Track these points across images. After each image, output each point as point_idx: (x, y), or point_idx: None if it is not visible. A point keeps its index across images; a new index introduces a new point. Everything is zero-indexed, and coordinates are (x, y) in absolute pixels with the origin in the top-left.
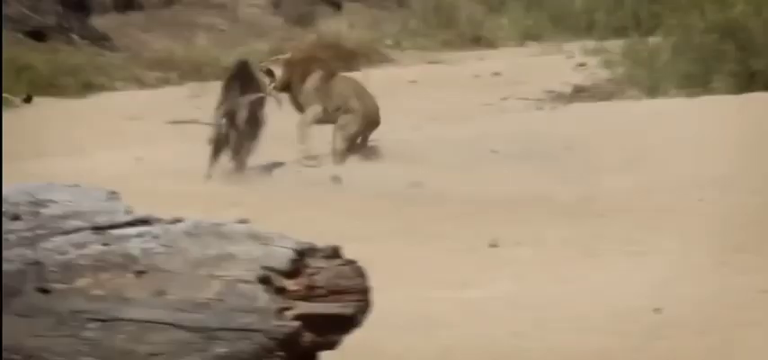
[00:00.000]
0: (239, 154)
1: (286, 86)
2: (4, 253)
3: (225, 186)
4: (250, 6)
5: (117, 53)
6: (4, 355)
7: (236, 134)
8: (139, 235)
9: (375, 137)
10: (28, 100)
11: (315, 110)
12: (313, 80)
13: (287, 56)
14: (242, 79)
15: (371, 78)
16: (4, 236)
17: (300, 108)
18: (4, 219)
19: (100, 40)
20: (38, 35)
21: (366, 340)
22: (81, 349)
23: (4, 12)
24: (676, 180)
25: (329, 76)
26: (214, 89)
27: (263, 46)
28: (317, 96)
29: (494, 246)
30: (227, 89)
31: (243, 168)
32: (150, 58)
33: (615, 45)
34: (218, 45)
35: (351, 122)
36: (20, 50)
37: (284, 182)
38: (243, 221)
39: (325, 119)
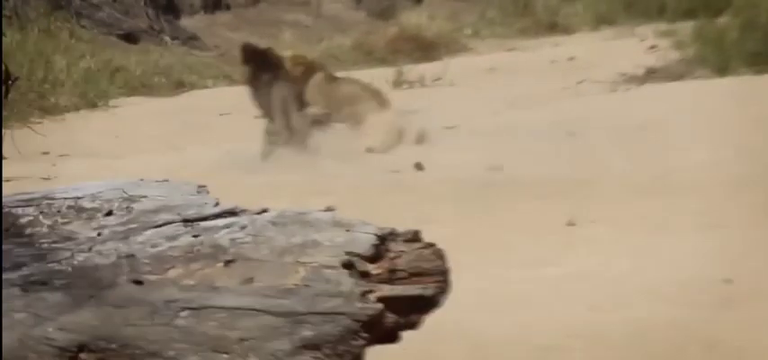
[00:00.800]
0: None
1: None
2: (100, 247)
3: (309, 176)
4: (333, 2)
5: (206, 52)
6: (102, 344)
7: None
8: (227, 226)
9: (455, 122)
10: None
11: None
12: (316, 79)
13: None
14: (257, 62)
15: (451, 67)
16: (98, 231)
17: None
18: (98, 214)
19: (190, 40)
20: (130, 38)
21: (446, 319)
22: (174, 336)
23: (97, 16)
24: (747, 154)
25: (330, 78)
26: None
27: (345, 40)
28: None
29: (571, 224)
30: (253, 78)
31: (305, 148)
32: (239, 56)
33: (685, 27)
34: (302, 40)
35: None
36: (114, 53)
37: (366, 170)
38: (328, 209)
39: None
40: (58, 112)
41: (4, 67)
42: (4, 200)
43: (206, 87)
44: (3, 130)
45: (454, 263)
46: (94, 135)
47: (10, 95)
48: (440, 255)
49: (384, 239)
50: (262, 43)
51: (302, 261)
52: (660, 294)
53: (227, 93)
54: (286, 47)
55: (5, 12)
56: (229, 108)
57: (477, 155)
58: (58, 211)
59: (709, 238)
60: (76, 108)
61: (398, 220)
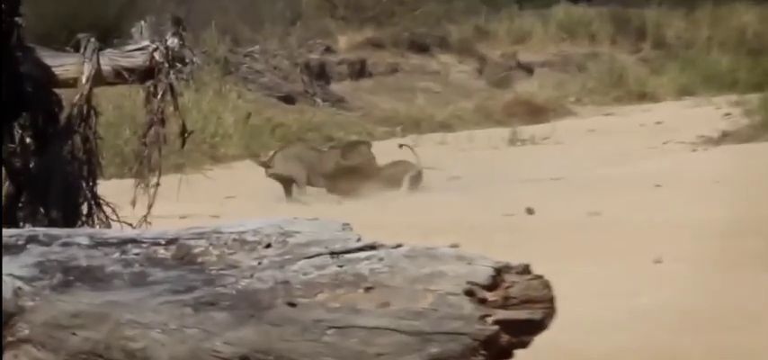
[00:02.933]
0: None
1: None
2: (260, 274)
3: (433, 218)
4: (459, 72)
5: (352, 112)
6: (260, 356)
7: None
8: (368, 258)
9: (561, 174)
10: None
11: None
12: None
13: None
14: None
15: (557, 128)
16: (259, 260)
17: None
18: (259, 247)
19: (338, 101)
20: (288, 99)
21: (552, 340)
22: (322, 351)
23: (261, 80)
24: None
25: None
26: (430, 139)
27: (469, 104)
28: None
29: (658, 262)
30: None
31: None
32: (379, 115)
33: (753, 98)
34: (432, 104)
35: None
36: (274, 112)
37: (484, 213)
38: (453, 246)
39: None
40: (226, 161)
41: (181, 122)
42: (180, 233)
43: None
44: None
45: (559, 292)
46: (256, 180)
47: (186, 146)
48: (547, 285)
49: (500, 271)
50: (397, 106)
51: (430, 288)
52: (733, 322)
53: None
54: (419, 109)
55: (183, 75)
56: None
57: (579, 202)
58: (225, 244)
59: None
60: (242, 157)
61: (512, 256)
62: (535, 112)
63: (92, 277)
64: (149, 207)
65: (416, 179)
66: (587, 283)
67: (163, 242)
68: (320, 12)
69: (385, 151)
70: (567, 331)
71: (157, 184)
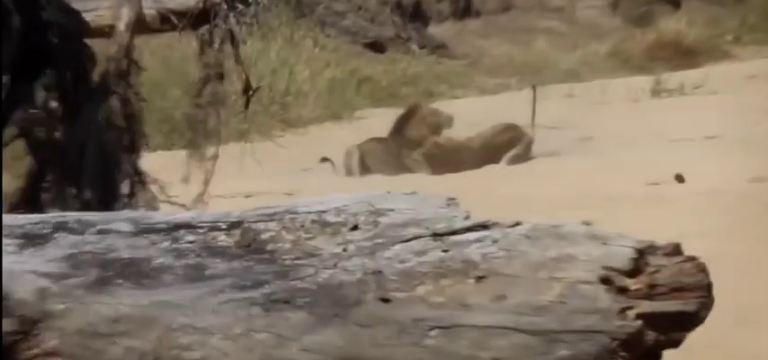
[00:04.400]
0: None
1: None
2: (345, 264)
3: (559, 189)
4: (588, 8)
5: (456, 61)
6: None
7: None
8: (478, 240)
9: (716, 132)
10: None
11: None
12: None
13: None
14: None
15: (712, 75)
16: (343, 246)
17: None
18: (343, 229)
19: (438, 48)
20: (377, 46)
21: (709, 337)
22: (423, 357)
23: (342, 24)
24: None
25: None
26: (555, 92)
27: (601, 48)
28: None
29: None
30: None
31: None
32: (489, 64)
33: None
34: (556, 48)
35: None
36: (359, 62)
37: (622, 182)
38: (585, 223)
39: None
40: (300, 125)
41: (245, 78)
42: (245, 215)
43: (455, 98)
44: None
45: (716, 278)
46: (338, 148)
47: (251, 107)
48: (702, 269)
49: (643, 253)
50: (511, 51)
51: (557, 276)
52: None
53: (477, 103)
54: (539, 55)
55: (246, 19)
56: (479, 120)
57: (739, 166)
58: (302, 226)
59: None
60: (320, 120)
61: (658, 234)
62: (684, 56)
63: (136, 273)
64: (206, 184)
65: (521, 155)
66: (751, 267)
67: (224, 226)
68: None
69: (493, 109)
70: (727, 325)
71: (216, 156)
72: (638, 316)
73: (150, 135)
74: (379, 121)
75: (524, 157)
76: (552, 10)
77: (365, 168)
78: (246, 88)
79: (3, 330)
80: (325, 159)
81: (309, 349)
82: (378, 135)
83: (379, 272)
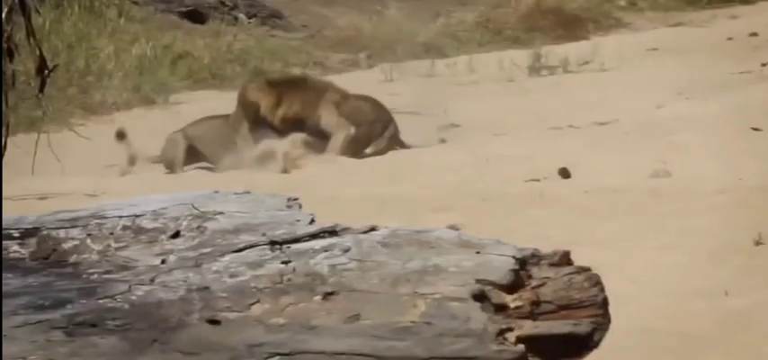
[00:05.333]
0: None
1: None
2: (164, 278)
3: (421, 186)
4: None
5: (293, 33)
6: None
7: None
8: (326, 249)
9: (608, 117)
10: (121, 137)
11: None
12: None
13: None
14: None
15: (602, 47)
16: (162, 257)
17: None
18: (162, 237)
19: (271, 17)
20: (196, 16)
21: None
22: None
23: None
24: None
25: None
26: (411, 70)
27: (467, 15)
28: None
29: (759, 243)
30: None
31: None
32: (333, 37)
33: None
34: (413, 17)
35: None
36: (175, 35)
37: (497, 178)
38: (452, 227)
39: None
40: (104, 111)
41: (39, 54)
42: (42, 220)
43: None
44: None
45: (612, 293)
46: (152, 139)
47: (46, 90)
48: (595, 281)
49: (524, 263)
50: (358, 21)
51: (421, 292)
52: None
53: None
54: (392, 25)
55: None
56: None
57: (637, 157)
58: (111, 234)
59: None
60: (128, 106)
61: (542, 240)
62: (568, 25)
63: None
64: None
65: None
66: (656, 279)
67: (16, 234)
68: None
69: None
70: (627, 351)
71: (3, 149)
72: (520, 339)
73: None
74: (200, 107)
75: (390, 146)
76: None
77: (195, 160)
78: (41, 67)
79: None
80: (121, 135)
81: None
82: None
83: (206, 288)
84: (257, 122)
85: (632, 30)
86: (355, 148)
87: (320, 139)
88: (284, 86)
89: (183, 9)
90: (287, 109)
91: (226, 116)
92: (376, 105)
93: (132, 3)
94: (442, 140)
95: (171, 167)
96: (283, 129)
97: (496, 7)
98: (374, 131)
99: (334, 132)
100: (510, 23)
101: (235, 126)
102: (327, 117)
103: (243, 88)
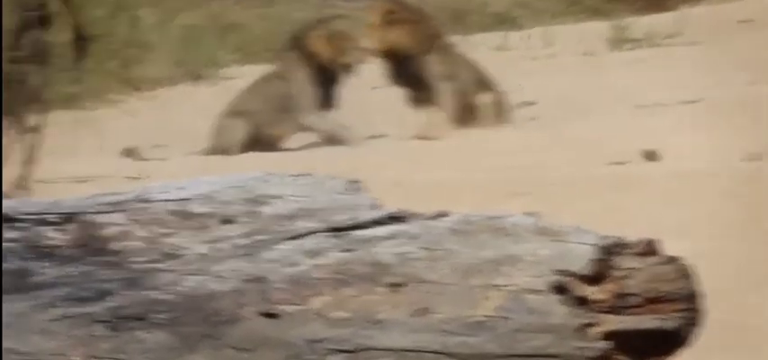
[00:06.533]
0: None
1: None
2: (215, 268)
3: (494, 170)
4: None
5: (354, 2)
6: None
7: None
8: (392, 236)
9: (699, 94)
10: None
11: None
12: (438, 50)
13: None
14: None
15: (691, 19)
16: (213, 244)
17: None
18: (213, 222)
19: None
20: None
21: None
22: None
23: None
24: None
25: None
26: (482, 43)
27: None
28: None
29: None
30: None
31: None
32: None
33: None
34: None
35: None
36: (224, 4)
37: (577, 160)
38: (529, 214)
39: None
40: (148, 87)
41: (75, 24)
42: (81, 204)
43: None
44: (76, 112)
45: (705, 287)
46: (199, 118)
47: (83, 62)
48: (685, 272)
49: (608, 252)
50: None
51: (496, 283)
52: None
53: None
54: None
55: None
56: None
57: (732, 139)
58: (157, 219)
59: None
60: (173, 81)
61: (626, 228)
62: None
63: None
64: (28, 164)
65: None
66: (751, 273)
67: (54, 220)
68: None
69: None
70: (722, 349)
71: (39, 127)
72: (604, 335)
73: None
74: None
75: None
76: None
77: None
78: (78, 37)
79: None
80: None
81: None
82: None
83: (262, 278)
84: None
85: None
86: (463, 115)
87: (416, 89)
88: (402, 6)
89: None
90: (402, 34)
91: (264, 78)
92: (476, 67)
93: None
94: (517, 119)
95: (225, 149)
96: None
97: None
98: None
99: (437, 87)
100: None
101: (288, 76)
102: (436, 65)
103: (302, 31)
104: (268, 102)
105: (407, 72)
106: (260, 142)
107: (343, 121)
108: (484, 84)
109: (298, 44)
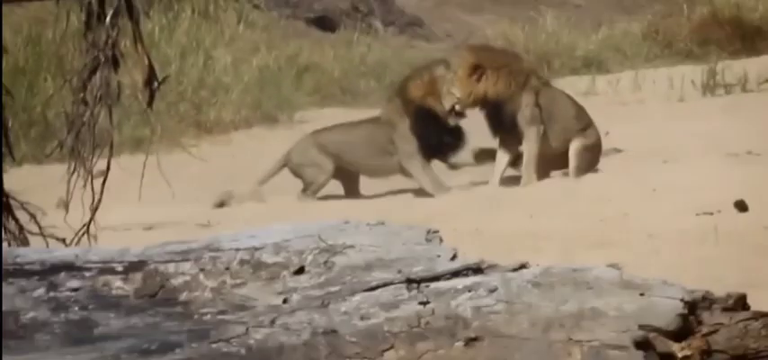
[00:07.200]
0: None
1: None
2: (286, 319)
3: (578, 219)
4: None
5: (435, 43)
6: None
7: None
8: (470, 288)
9: None
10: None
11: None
12: (529, 91)
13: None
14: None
15: None
16: (285, 296)
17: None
18: (285, 273)
19: (410, 25)
20: (326, 23)
21: None
22: None
23: None
24: None
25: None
26: (570, 86)
27: (634, 26)
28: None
29: None
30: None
31: None
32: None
33: None
34: (572, 26)
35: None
36: (301, 45)
37: (664, 210)
38: (612, 266)
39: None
40: (220, 131)
41: (147, 64)
42: (148, 253)
43: None
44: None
45: None
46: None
47: (155, 105)
48: None
49: (694, 307)
50: (509, 31)
51: (577, 339)
52: None
53: None
54: (548, 35)
55: None
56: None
57: None
58: (227, 269)
59: None
60: (248, 124)
61: (714, 282)
62: (747, 37)
63: None
64: (94, 210)
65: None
66: None
67: (119, 269)
68: None
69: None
70: None
71: (107, 172)
72: None
73: (14, 142)
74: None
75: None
76: None
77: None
78: (149, 79)
79: None
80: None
81: None
82: None
83: (334, 331)
84: (424, 118)
85: None
86: (546, 159)
87: (511, 134)
88: (488, 55)
89: (311, 15)
90: (490, 84)
91: (370, 120)
92: (574, 103)
93: (253, 7)
94: (604, 166)
95: (313, 189)
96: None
97: (667, 17)
98: (570, 130)
99: (525, 132)
100: (681, 35)
101: (392, 121)
102: (526, 108)
103: (405, 79)
104: (368, 142)
105: (500, 117)
106: (347, 177)
107: (439, 174)
108: (582, 121)
109: (401, 92)
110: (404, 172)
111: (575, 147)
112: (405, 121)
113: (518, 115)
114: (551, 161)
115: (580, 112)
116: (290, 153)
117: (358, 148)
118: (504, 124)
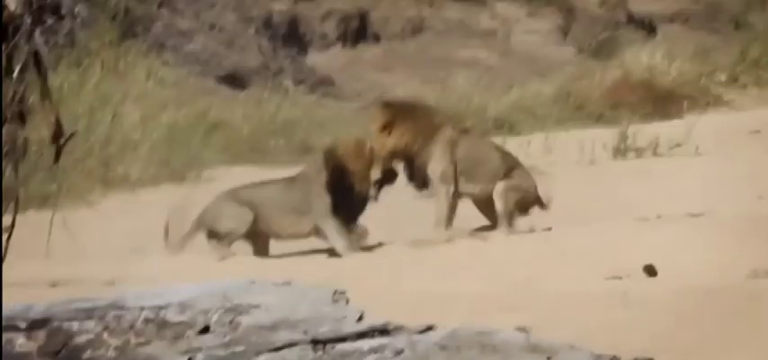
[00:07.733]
0: None
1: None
2: None
3: (486, 282)
4: (528, 32)
5: (345, 103)
6: None
7: None
8: (376, 350)
9: (700, 208)
10: None
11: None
12: (441, 144)
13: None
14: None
15: (694, 130)
16: (189, 355)
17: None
18: (189, 332)
19: (320, 84)
20: (235, 80)
21: None
22: None
23: (188, 48)
24: None
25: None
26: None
27: (545, 88)
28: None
29: None
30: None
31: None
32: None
33: None
34: (483, 87)
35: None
36: (211, 102)
37: (572, 274)
38: (520, 330)
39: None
40: (128, 188)
41: (55, 119)
42: (53, 311)
43: None
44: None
45: None
46: (182, 221)
47: (62, 161)
48: None
49: None
50: (420, 91)
51: None
52: None
53: None
54: (459, 96)
55: (58, 38)
56: None
57: (735, 255)
58: (132, 328)
59: None
60: (155, 182)
61: (623, 347)
62: (659, 101)
63: None
64: None
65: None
66: None
67: (23, 326)
68: None
69: None
70: None
71: (11, 227)
72: None
73: None
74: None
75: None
76: (479, 35)
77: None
78: (56, 134)
79: None
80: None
81: None
82: None
83: None
84: (340, 178)
85: (733, 108)
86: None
87: (421, 187)
88: (399, 110)
89: (221, 72)
90: (398, 137)
91: (286, 179)
92: (498, 149)
93: (163, 64)
94: (513, 230)
95: (228, 244)
96: (382, 173)
97: (578, 79)
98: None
99: (436, 189)
100: (593, 98)
101: (311, 177)
102: (437, 160)
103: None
104: (282, 198)
105: (412, 170)
106: (258, 237)
107: (353, 233)
108: (507, 163)
109: (327, 153)
110: (318, 233)
111: (500, 189)
112: (321, 177)
113: (428, 169)
114: (481, 205)
115: (505, 156)
116: (203, 215)
117: (273, 204)
118: (417, 178)
